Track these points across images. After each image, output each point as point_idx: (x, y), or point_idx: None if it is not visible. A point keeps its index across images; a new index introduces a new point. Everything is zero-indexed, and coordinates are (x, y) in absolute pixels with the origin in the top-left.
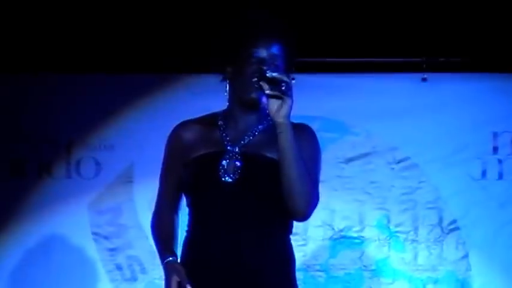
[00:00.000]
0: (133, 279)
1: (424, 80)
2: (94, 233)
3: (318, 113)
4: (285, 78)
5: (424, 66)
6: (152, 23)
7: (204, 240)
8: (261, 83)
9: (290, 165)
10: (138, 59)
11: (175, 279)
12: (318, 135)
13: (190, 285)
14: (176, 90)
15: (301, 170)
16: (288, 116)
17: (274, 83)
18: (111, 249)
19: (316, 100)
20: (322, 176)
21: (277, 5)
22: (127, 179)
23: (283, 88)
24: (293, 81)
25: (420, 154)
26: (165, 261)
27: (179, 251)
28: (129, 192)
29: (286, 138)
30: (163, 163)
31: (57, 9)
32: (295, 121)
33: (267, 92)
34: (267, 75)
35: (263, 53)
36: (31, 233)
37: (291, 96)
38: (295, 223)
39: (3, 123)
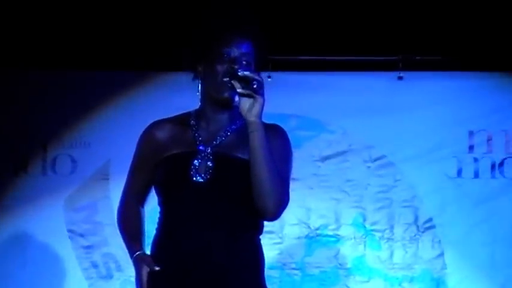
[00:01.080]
0: (109, 276)
1: (400, 78)
2: (69, 231)
3: (294, 111)
4: (257, 77)
5: (400, 64)
6: (130, 20)
7: (175, 239)
8: (232, 81)
9: (261, 164)
10: (115, 56)
11: (145, 270)
12: (294, 133)
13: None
14: (153, 88)
15: (271, 170)
16: (260, 115)
17: (246, 82)
18: (87, 247)
19: (293, 98)
20: (298, 174)
21: (254, 3)
22: (103, 176)
23: (254, 87)
24: (269, 79)
25: (396, 152)
26: (134, 255)
27: (148, 248)
28: (105, 190)
29: (257, 137)
30: (133, 161)
31: (32, 6)
32: (271, 118)
33: (239, 90)
34: (239, 74)
35: (234, 52)
36: (6, 230)
37: (262, 95)
38: (267, 223)
39: None
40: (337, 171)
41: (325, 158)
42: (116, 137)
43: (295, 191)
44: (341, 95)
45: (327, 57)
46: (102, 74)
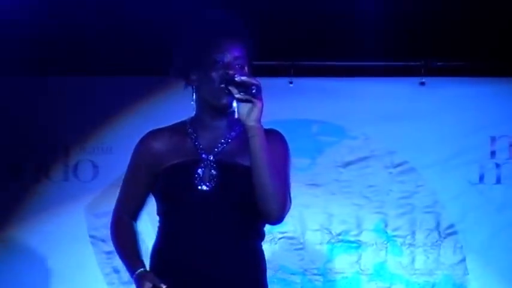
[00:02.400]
0: (130, 282)
1: (422, 84)
2: (91, 236)
3: (316, 117)
4: (254, 81)
5: (422, 70)
6: (150, 26)
7: (179, 247)
8: (230, 87)
9: (262, 168)
10: (136, 62)
11: (147, 286)
12: (316, 138)
13: (165, 284)
14: (174, 93)
15: (273, 173)
16: (259, 119)
17: (243, 87)
18: (108, 252)
19: (314, 104)
20: (320, 179)
21: (276, 11)
22: None
23: (253, 91)
24: (291, 85)
25: (418, 158)
26: (136, 272)
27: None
28: None
29: (258, 142)
30: (128, 171)
31: (55, 14)
32: (293, 124)
33: (237, 96)
34: (236, 79)
35: (227, 57)
36: (29, 236)
37: (261, 99)
38: (291, 227)
39: (2, 127)
40: (359, 177)
41: (347, 164)
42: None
43: (317, 196)
44: (363, 101)
45: (349, 63)
46: (123, 80)
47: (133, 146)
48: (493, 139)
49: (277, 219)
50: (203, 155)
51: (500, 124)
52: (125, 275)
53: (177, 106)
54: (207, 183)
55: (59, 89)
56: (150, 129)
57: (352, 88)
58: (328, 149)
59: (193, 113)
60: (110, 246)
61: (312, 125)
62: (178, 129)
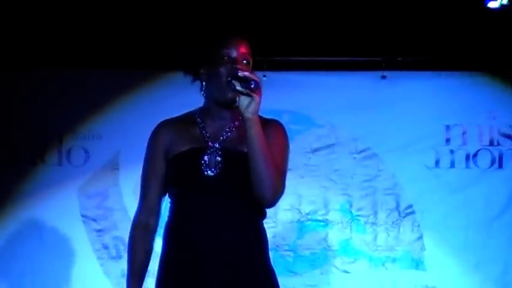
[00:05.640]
0: (118, 257)
1: (383, 77)
2: (83, 215)
3: (287, 107)
4: (255, 78)
5: (383, 65)
6: (138, 23)
7: (187, 227)
8: (233, 81)
9: (257, 156)
10: (124, 56)
11: None
12: (287, 127)
13: None
14: (159, 85)
15: (268, 161)
16: (257, 112)
17: (245, 82)
18: (99, 230)
19: (286, 95)
20: (291, 164)
21: (253, 12)
22: (113, 166)
23: (252, 86)
24: (264, 78)
25: (379, 145)
26: None
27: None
28: (115, 179)
29: (254, 132)
30: (147, 163)
31: (49, 10)
32: (266, 114)
33: (238, 88)
34: (239, 74)
35: (233, 52)
36: (25, 215)
37: (259, 93)
38: (267, 208)
39: (0, 116)
40: (326, 162)
41: (315, 150)
42: (125, 130)
43: (288, 180)
44: (329, 93)
45: (317, 58)
46: (112, 73)
47: (120, 133)
48: (448, 127)
49: (270, 203)
50: (209, 143)
51: (454, 114)
52: (113, 250)
53: (161, 97)
54: (213, 169)
55: (54, 81)
56: (135, 117)
57: (320, 81)
58: (297, 137)
59: (187, 108)
60: (100, 225)
61: (283, 115)
62: (187, 119)
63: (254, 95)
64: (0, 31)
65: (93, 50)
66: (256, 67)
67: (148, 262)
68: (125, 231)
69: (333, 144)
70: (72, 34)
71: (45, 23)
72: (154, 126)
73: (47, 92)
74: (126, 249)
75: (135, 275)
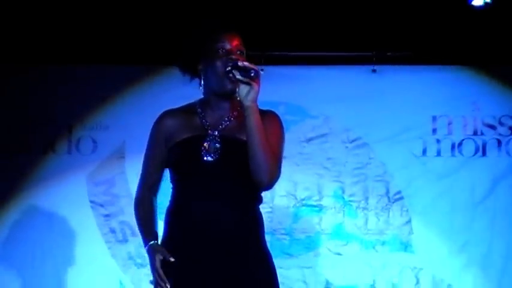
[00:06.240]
0: (125, 240)
1: (373, 71)
2: (91, 201)
3: (283, 99)
4: (254, 67)
5: (374, 59)
6: (140, 22)
7: (188, 210)
8: (233, 71)
9: (256, 141)
10: (128, 53)
11: (158, 257)
12: (283, 118)
13: (173, 259)
14: (162, 79)
15: (265, 147)
16: (255, 100)
17: (244, 71)
18: (106, 215)
19: (282, 88)
20: (287, 153)
21: (251, 10)
22: (119, 154)
23: (252, 75)
24: (262, 72)
25: (370, 134)
26: (148, 244)
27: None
28: (121, 167)
29: (253, 120)
30: (148, 147)
31: (63, 9)
32: (264, 105)
33: (238, 77)
34: (239, 64)
35: (227, 45)
36: (37, 201)
37: (258, 82)
38: (262, 193)
39: (14, 108)
40: (320, 151)
41: (309, 140)
42: (130, 121)
43: (284, 167)
44: (323, 86)
45: (312, 53)
46: (117, 69)
47: (126, 124)
48: (434, 118)
49: (267, 187)
50: (209, 131)
51: (441, 105)
52: (120, 234)
53: (164, 90)
54: (212, 155)
55: (66, 76)
56: (139, 109)
57: (314, 75)
58: (293, 127)
59: (186, 100)
60: (108, 210)
61: (279, 106)
62: (188, 109)
63: (253, 83)
64: (14, 27)
65: (101, 48)
66: (253, 61)
67: (156, 217)
68: (130, 216)
69: (326, 134)
70: (83, 34)
71: (59, 21)
72: (157, 116)
73: (57, 86)
74: (134, 214)
75: (146, 225)
